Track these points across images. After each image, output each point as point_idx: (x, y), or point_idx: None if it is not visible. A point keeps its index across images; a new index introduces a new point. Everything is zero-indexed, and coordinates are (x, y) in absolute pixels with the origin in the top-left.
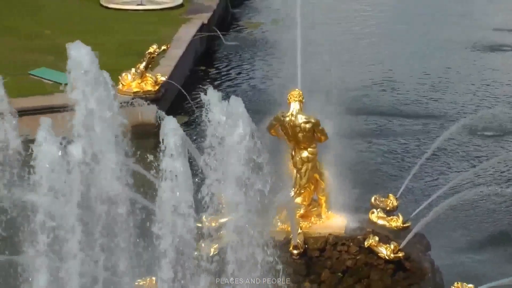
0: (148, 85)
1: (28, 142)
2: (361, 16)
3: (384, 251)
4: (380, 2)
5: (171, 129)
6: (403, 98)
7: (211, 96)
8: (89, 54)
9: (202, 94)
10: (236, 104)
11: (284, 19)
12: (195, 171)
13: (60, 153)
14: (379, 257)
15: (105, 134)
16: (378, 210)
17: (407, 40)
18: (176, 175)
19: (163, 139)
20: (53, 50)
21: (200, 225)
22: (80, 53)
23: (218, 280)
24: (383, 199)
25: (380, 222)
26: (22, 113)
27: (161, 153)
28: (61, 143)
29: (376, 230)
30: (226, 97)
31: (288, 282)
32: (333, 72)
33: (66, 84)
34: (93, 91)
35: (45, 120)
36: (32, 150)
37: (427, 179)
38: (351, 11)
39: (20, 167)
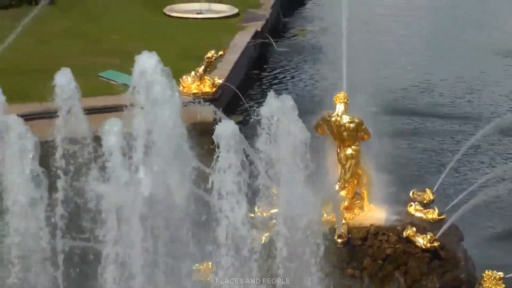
0: (206, 87)
1: (96, 138)
2: (401, 22)
3: (421, 240)
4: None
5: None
6: (440, 100)
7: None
8: (154, 59)
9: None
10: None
11: (330, 27)
12: (249, 166)
13: (125, 148)
14: (417, 246)
15: (167, 131)
16: (416, 203)
17: (444, 45)
18: (231, 170)
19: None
20: (120, 54)
21: (253, 215)
22: (146, 59)
23: (269, 266)
24: (421, 193)
25: (418, 214)
26: (91, 111)
27: (217, 149)
28: (126, 139)
29: (414, 221)
30: (279, 96)
31: (333, 268)
32: (375, 76)
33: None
34: (157, 92)
35: (111, 118)
36: (100, 145)
37: (462, 175)
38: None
39: (91, 161)
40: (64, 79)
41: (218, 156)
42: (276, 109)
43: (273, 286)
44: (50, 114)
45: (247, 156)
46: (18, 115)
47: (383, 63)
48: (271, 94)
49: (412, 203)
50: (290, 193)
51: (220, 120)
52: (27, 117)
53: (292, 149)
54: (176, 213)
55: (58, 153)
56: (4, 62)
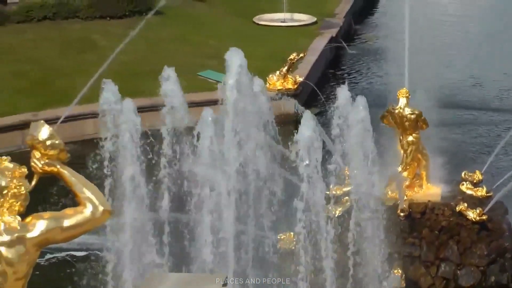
0: (289, 84)
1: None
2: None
3: (471, 214)
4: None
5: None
6: (489, 94)
7: (341, 93)
8: (242, 59)
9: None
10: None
11: (395, 33)
12: (324, 150)
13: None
14: (467, 219)
15: (256, 121)
16: (467, 182)
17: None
18: (310, 153)
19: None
20: (216, 56)
21: (328, 192)
22: (235, 58)
23: (341, 235)
24: (471, 174)
25: (468, 192)
26: (191, 105)
27: (297, 136)
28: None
29: (465, 198)
30: (352, 93)
31: (396, 237)
32: (433, 73)
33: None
34: (246, 88)
35: (208, 110)
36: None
37: (507, 159)
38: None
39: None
40: (169, 77)
41: (298, 142)
42: (347, 102)
43: (347, 252)
44: (158, 107)
45: (323, 142)
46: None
47: (439, 62)
48: (343, 88)
49: (464, 183)
50: (360, 174)
51: (300, 112)
52: (138, 110)
53: (361, 137)
54: (264, 189)
55: (164, 140)
56: (119, 64)
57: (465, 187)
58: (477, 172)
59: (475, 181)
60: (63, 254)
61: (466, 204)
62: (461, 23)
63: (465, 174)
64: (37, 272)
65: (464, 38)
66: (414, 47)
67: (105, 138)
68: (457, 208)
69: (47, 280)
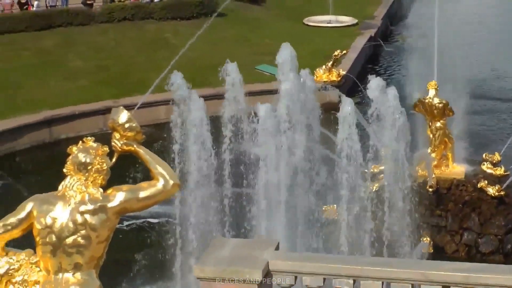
0: (333, 77)
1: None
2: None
3: (491, 190)
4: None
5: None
6: (509, 86)
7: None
8: (292, 54)
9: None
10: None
11: (425, 32)
12: (361, 134)
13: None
14: (488, 194)
15: (306, 108)
16: (487, 163)
17: None
18: (349, 136)
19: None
20: (271, 53)
21: (366, 170)
22: (286, 54)
23: (377, 207)
24: (491, 155)
25: (488, 171)
26: (250, 94)
27: (340, 121)
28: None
29: (486, 176)
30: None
31: (423, 209)
32: (459, 68)
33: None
34: (296, 80)
35: (267, 99)
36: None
37: None
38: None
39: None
40: (231, 70)
41: (340, 126)
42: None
43: (382, 222)
44: (220, 96)
45: (362, 126)
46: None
47: (465, 57)
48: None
49: (485, 163)
50: (394, 154)
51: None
52: (204, 98)
53: (394, 122)
54: (310, 167)
55: (226, 124)
56: (187, 59)
57: (486, 167)
58: (496, 154)
59: (494, 161)
60: (140, 221)
61: (486, 181)
62: (485, 22)
63: (485, 155)
64: (120, 236)
65: (487, 36)
66: (443, 44)
67: (175, 123)
68: (479, 185)
69: (127, 243)
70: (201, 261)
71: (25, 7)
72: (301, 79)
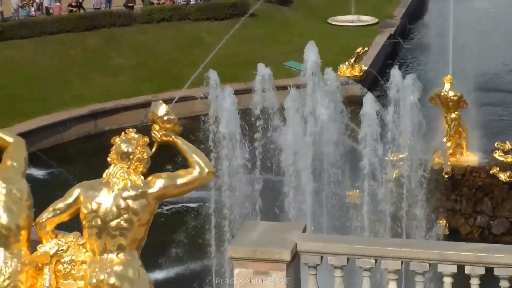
0: (356, 72)
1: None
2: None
3: (502, 176)
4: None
5: (369, 99)
6: None
7: (394, 74)
8: (316, 52)
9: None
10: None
11: (441, 30)
12: (381, 123)
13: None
14: (499, 180)
15: (330, 102)
16: (499, 151)
17: None
18: (371, 126)
19: (364, 106)
20: (298, 50)
21: (387, 158)
22: (311, 51)
23: (397, 193)
24: (503, 144)
25: (500, 158)
26: (279, 88)
27: (362, 113)
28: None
29: (498, 163)
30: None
31: (439, 194)
32: (473, 63)
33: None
34: (320, 75)
35: (295, 92)
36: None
37: None
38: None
39: (277, 121)
40: (261, 67)
41: (362, 118)
42: (401, 84)
43: (401, 206)
44: (251, 90)
45: (381, 116)
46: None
47: (478, 53)
48: (395, 71)
49: (497, 151)
50: (412, 143)
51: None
52: (235, 92)
53: (412, 112)
54: (334, 155)
55: (257, 116)
56: (221, 57)
57: (498, 155)
58: (508, 142)
59: (506, 149)
60: (179, 205)
61: (498, 168)
62: (497, 21)
63: (497, 144)
64: (162, 219)
65: (499, 32)
66: (457, 41)
67: (210, 115)
68: (491, 171)
69: (167, 225)
70: (234, 242)
71: (75, 10)
72: (326, 75)
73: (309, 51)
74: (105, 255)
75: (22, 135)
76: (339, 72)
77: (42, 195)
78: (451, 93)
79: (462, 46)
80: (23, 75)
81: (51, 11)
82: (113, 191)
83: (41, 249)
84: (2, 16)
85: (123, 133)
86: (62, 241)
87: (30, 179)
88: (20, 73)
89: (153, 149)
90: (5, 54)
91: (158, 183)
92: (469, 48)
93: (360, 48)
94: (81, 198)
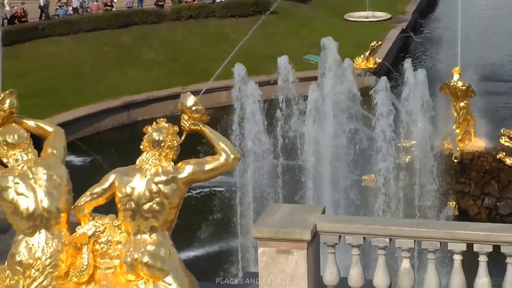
0: (371, 64)
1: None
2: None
3: (508, 160)
4: None
5: (382, 87)
6: None
7: (407, 66)
8: (334, 46)
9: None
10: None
11: (450, 24)
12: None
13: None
14: (505, 164)
15: (345, 91)
16: (505, 136)
17: None
18: (384, 114)
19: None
20: (316, 44)
21: (399, 144)
22: (329, 46)
23: (410, 176)
24: (508, 130)
25: (506, 144)
26: (299, 80)
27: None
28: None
29: (504, 148)
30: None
31: (449, 178)
32: (480, 55)
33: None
34: (337, 67)
35: (314, 84)
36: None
37: None
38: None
39: (298, 110)
40: (282, 60)
41: (376, 107)
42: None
43: (414, 189)
44: (273, 82)
45: (394, 105)
46: (255, 82)
47: (485, 45)
48: (408, 64)
49: (503, 137)
50: (423, 130)
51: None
52: (259, 84)
53: (423, 101)
54: (351, 142)
55: (279, 106)
56: (244, 51)
57: (504, 140)
58: None
59: (511, 135)
60: (207, 189)
61: (504, 153)
62: (503, 14)
63: (503, 130)
64: (192, 202)
65: (504, 25)
66: (465, 35)
67: (235, 105)
68: (498, 156)
69: (196, 207)
70: (258, 223)
71: (108, 8)
72: (343, 66)
73: (327, 45)
74: (138, 236)
75: (62, 125)
76: (355, 65)
77: (80, 180)
78: (459, 83)
79: (470, 39)
80: (63, 70)
81: (89, 10)
82: (145, 177)
83: (79, 230)
84: (46, 14)
85: (154, 122)
86: (99, 223)
87: (69, 166)
88: (60, 68)
89: (182, 137)
90: (46, 50)
91: (187, 169)
92: (477, 41)
93: (374, 42)
94: (116, 183)
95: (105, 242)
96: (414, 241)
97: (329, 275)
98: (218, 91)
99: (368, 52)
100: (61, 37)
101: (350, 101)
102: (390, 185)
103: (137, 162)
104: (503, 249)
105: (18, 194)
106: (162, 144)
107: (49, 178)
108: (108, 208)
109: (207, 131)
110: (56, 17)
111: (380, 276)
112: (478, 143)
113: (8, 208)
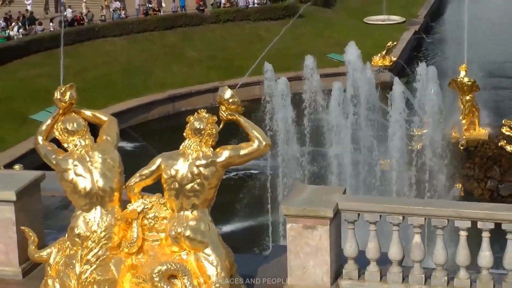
0: (387, 62)
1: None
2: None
3: (509, 148)
4: None
5: (398, 84)
6: None
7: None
8: (355, 47)
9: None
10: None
11: (459, 26)
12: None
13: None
14: (506, 151)
15: (365, 86)
16: (506, 126)
17: None
18: (398, 108)
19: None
20: (339, 44)
21: (411, 133)
22: (351, 47)
23: (421, 161)
24: (509, 120)
25: (507, 133)
26: (323, 76)
27: (391, 97)
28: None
29: (505, 137)
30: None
31: (456, 163)
32: (486, 53)
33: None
34: (358, 65)
35: (336, 82)
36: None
37: None
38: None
39: (322, 102)
40: (309, 58)
41: (392, 99)
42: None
43: (425, 173)
44: (301, 77)
45: (407, 99)
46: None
47: (490, 44)
48: (421, 62)
49: (504, 127)
50: (433, 121)
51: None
52: (288, 79)
53: (433, 95)
54: (370, 130)
55: (305, 99)
56: (275, 50)
57: (505, 130)
58: None
59: None
60: (242, 172)
61: (505, 141)
62: (507, 15)
63: (505, 121)
64: (232, 183)
65: (509, 26)
66: (472, 36)
67: (267, 98)
68: (499, 144)
69: (232, 188)
70: (287, 202)
71: (156, 13)
72: (362, 64)
73: (350, 47)
74: (181, 212)
75: (115, 114)
76: (372, 62)
77: (131, 164)
78: (465, 79)
79: (476, 39)
80: (116, 66)
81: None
82: (188, 160)
83: (130, 207)
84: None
85: (196, 113)
86: (147, 201)
87: (121, 150)
88: (114, 65)
89: (220, 126)
90: (103, 49)
91: (224, 154)
92: (482, 41)
93: (390, 42)
94: (162, 166)
95: (152, 218)
96: (425, 218)
97: (349, 248)
98: (252, 85)
99: (385, 51)
100: (114, 37)
101: (368, 94)
102: (403, 169)
103: (181, 147)
104: (504, 226)
105: (77, 175)
106: (202, 132)
107: (104, 161)
108: (155, 188)
109: (242, 120)
110: (111, 20)
111: (394, 249)
112: (482, 132)
113: (68, 187)
